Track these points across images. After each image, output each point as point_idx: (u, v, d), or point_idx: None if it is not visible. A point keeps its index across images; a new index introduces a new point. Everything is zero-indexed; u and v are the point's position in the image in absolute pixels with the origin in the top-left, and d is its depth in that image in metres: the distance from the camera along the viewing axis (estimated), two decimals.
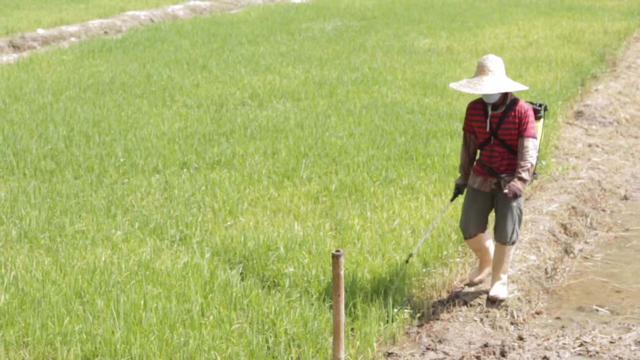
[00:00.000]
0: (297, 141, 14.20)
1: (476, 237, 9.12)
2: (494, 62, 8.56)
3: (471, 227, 9.03)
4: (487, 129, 8.71)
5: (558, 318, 9.15)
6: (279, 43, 24.64)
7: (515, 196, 8.56)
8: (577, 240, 11.25)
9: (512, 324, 8.83)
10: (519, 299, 9.24)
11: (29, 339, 7.81)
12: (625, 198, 12.90)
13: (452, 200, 9.45)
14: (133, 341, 7.70)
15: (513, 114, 8.63)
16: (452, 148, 13.68)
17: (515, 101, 8.68)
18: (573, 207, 11.98)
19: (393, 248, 9.85)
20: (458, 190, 9.29)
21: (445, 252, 9.98)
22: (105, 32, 28.47)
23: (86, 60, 22.72)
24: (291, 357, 7.68)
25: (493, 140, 8.77)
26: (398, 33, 25.92)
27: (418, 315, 8.86)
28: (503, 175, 8.80)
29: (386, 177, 12.35)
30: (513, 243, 8.96)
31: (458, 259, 9.99)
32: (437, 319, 8.82)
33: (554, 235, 11.01)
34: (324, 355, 7.74)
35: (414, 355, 8.05)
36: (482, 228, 9.11)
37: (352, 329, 8.17)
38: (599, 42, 23.97)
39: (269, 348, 7.81)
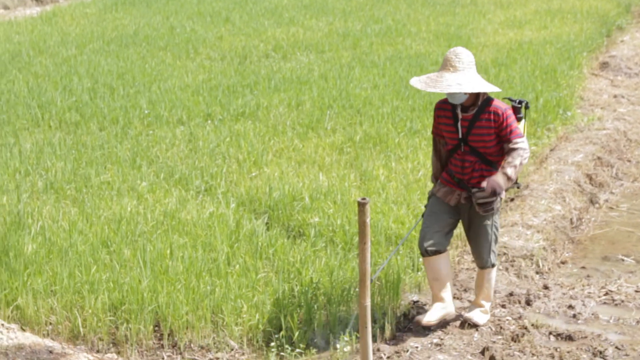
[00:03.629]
0: (321, 93, 14.18)
1: (433, 259, 7.50)
2: (460, 57, 7.14)
3: (428, 243, 7.46)
4: (459, 135, 7.35)
5: (583, 267, 9.14)
6: None
7: (494, 193, 7.16)
8: (602, 190, 11.21)
9: (537, 273, 8.83)
10: (544, 248, 9.23)
11: (57, 288, 7.87)
12: None
13: (423, 215, 7.76)
14: (160, 290, 7.74)
15: (487, 116, 7.23)
16: None
17: (488, 101, 7.27)
18: (598, 158, 11.93)
19: (418, 198, 9.83)
20: None
21: None
22: None
23: (109, 13, 22.71)
24: (317, 306, 7.71)
25: (463, 148, 7.38)
26: None
27: None
28: (475, 190, 7.37)
29: (411, 128, 12.32)
30: (493, 266, 7.61)
31: None
32: (463, 269, 8.83)
33: (579, 185, 10.98)
34: (349, 304, 7.77)
35: None
36: (441, 246, 7.50)
37: (378, 278, 8.18)
38: None
39: (294, 297, 7.84)
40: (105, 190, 10.26)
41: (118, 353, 7.29)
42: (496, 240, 7.57)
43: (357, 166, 10.96)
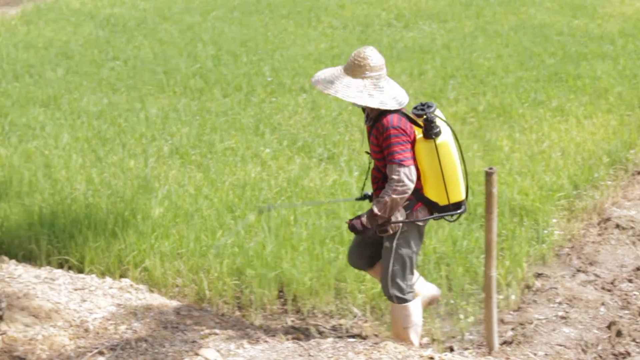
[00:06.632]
0: (444, 62, 14.08)
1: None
2: (358, 61, 6.10)
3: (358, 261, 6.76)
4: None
5: None
6: None
7: (354, 230, 6.22)
8: None
9: None
10: None
11: (183, 251, 7.99)
12: None
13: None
14: (284, 255, 7.80)
15: (373, 131, 6.17)
16: (604, 70, 13.37)
17: (385, 113, 6.10)
18: None
19: (543, 169, 9.71)
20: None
21: (596, 174, 9.80)
22: None
23: None
24: (440, 275, 7.69)
25: (370, 160, 6.52)
26: None
27: (568, 237, 8.74)
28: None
29: (535, 98, 12.16)
30: (399, 300, 6.37)
31: (609, 182, 9.81)
32: (588, 242, 8.68)
33: None
34: (472, 274, 7.73)
35: (564, 277, 7.94)
36: (363, 263, 6.77)
37: (501, 249, 8.11)
38: None
39: (418, 266, 7.82)
40: (229, 156, 10.37)
41: (243, 317, 7.38)
42: (403, 271, 6.32)
43: (481, 136, 10.87)
